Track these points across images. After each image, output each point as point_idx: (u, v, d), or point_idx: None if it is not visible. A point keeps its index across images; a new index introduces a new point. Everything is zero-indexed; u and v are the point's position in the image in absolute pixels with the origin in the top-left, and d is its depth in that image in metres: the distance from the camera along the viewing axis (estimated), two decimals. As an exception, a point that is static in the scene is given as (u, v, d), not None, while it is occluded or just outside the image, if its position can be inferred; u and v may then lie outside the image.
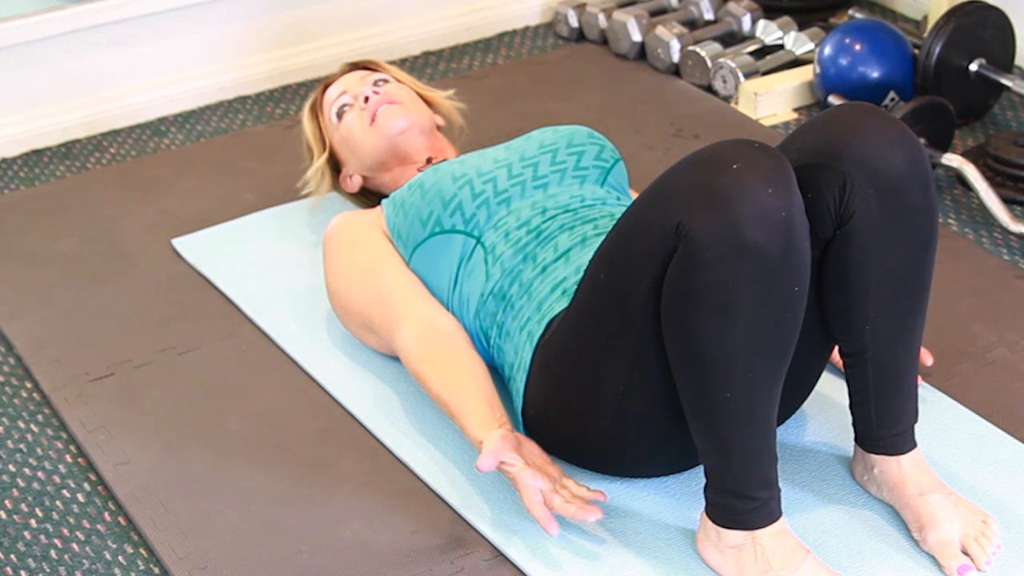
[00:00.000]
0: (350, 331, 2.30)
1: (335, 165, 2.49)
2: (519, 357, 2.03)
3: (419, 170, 2.38)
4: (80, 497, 2.13)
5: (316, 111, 2.49)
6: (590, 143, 2.27)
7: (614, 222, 2.09)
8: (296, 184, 2.66)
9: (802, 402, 2.08)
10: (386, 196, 2.47)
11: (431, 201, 2.19)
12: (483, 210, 2.17)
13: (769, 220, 1.71)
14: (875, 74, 2.95)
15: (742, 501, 1.82)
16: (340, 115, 2.43)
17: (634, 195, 2.36)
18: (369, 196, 2.52)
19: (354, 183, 2.48)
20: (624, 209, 2.07)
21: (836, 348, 2.15)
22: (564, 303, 2.00)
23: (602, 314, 1.87)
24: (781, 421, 2.04)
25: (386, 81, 2.46)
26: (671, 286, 1.76)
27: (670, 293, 1.77)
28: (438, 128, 2.49)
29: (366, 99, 2.40)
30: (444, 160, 2.35)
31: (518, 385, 2.03)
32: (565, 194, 2.19)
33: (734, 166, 1.72)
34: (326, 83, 2.50)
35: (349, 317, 2.27)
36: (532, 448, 1.95)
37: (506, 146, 2.29)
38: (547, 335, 1.99)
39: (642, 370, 1.86)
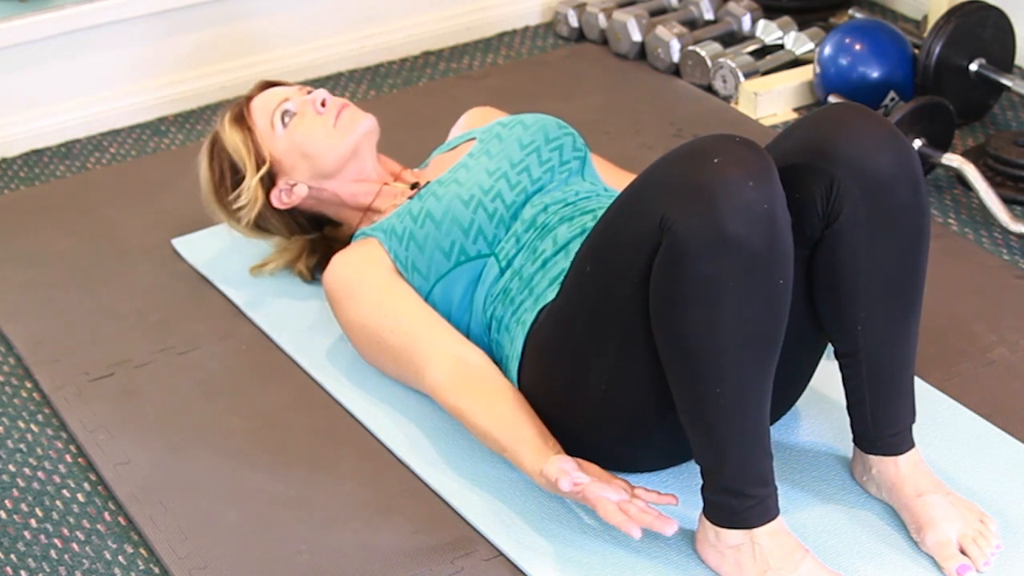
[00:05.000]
0: (390, 376, 2.23)
1: (269, 181, 2.33)
2: (513, 347, 2.03)
3: (408, 197, 2.30)
4: (80, 497, 2.13)
5: (243, 124, 2.33)
6: (563, 135, 2.26)
7: None
8: (204, 214, 2.44)
9: (795, 399, 2.08)
10: (321, 216, 2.38)
11: (450, 231, 2.15)
12: (501, 228, 2.15)
13: (751, 213, 1.72)
14: (875, 74, 2.95)
15: (738, 499, 1.82)
16: (284, 122, 2.32)
17: (605, 172, 2.37)
18: (296, 217, 2.38)
19: (296, 195, 2.32)
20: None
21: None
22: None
23: (588, 307, 1.88)
24: (775, 419, 2.04)
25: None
26: (657, 281, 1.77)
27: (656, 288, 1.77)
28: None
29: (323, 103, 2.31)
30: (428, 183, 2.27)
31: (512, 375, 2.03)
32: (559, 190, 2.20)
33: (715, 160, 1.73)
34: (248, 97, 2.37)
35: (381, 365, 2.20)
36: (592, 468, 1.92)
37: (486, 152, 2.25)
38: (537, 323, 1.99)
39: (627, 362, 1.87)
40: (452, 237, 2.15)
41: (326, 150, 2.30)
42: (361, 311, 2.17)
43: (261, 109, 2.34)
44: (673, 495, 1.89)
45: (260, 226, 2.39)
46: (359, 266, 2.21)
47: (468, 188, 2.18)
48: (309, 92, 2.36)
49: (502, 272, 2.12)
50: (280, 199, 2.34)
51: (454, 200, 2.17)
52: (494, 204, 2.16)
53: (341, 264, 2.22)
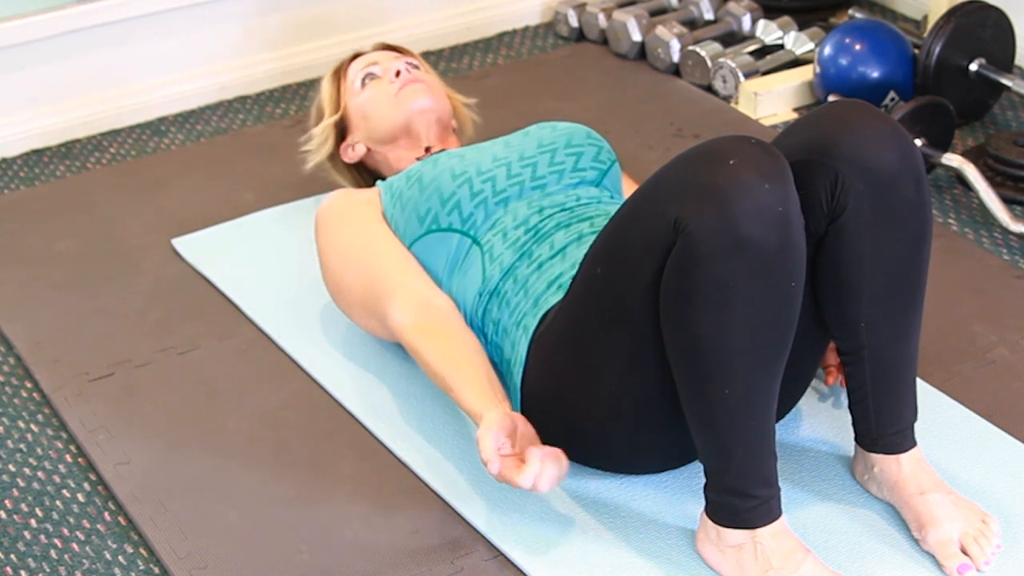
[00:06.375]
0: (346, 314, 2.28)
1: (341, 132, 2.49)
2: (515, 352, 2.03)
3: (417, 159, 2.39)
4: (80, 497, 2.13)
5: (339, 75, 2.50)
6: (588, 144, 2.27)
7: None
8: (300, 145, 2.59)
9: (798, 398, 2.08)
10: (380, 177, 2.48)
11: (429, 197, 2.19)
12: (480, 210, 2.17)
13: (766, 215, 1.72)
14: (875, 74, 2.95)
15: (742, 500, 1.82)
16: (364, 83, 2.45)
17: (631, 189, 2.37)
18: (363, 173, 2.53)
19: (356, 153, 2.47)
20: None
21: (830, 354, 2.16)
22: (560, 296, 2.00)
23: (598, 307, 1.88)
24: (778, 418, 2.04)
25: (417, 67, 2.49)
26: (669, 282, 1.77)
27: (668, 289, 1.77)
28: (452, 130, 2.49)
29: (397, 73, 2.43)
30: (442, 151, 2.34)
31: (515, 379, 2.03)
32: (561, 194, 2.20)
33: (731, 161, 1.73)
34: (356, 53, 2.52)
35: (343, 297, 2.26)
36: (527, 430, 1.92)
37: (504, 142, 2.29)
38: (542, 327, 1.99)
39: (638, 363, 1.86)
40: (429, 204, 2.19)
41: (381, 117, 2.42)
42: (343, 239, 2.25)
43: (357, 67, 2.48)
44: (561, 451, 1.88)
45: (335, 166, 2.55)
46: (354, 201, 2.30)
47: (466, 165, 2.21)
48: (408, 64, 2.47)
49: (486, 266, 2.12)
50: (346, 152, 2.49)
51: (445, 171, 2.20)
52: (482, 185, 2.18)
53: (339, 196, 2.32)
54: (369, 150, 2.46)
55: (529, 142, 2.26)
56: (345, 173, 2.54)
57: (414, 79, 2.43)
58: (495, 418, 1.89)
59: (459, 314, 2.13)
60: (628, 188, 2.37)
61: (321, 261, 2.29)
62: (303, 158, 2.57)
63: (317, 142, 2.50)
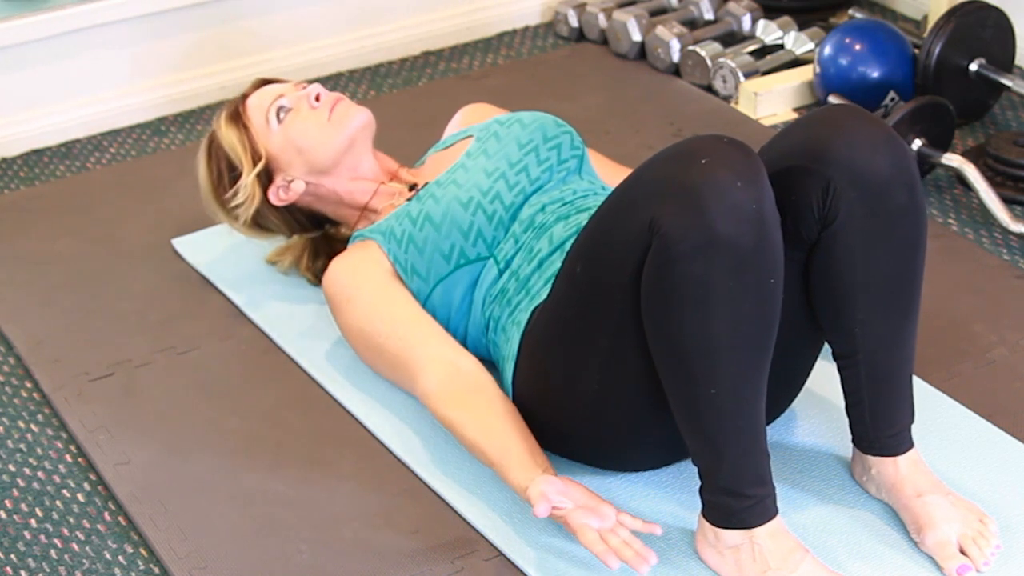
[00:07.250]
0: (388, 380, 2.23)
1: (266, 177, 2.32)
2: (509, 346, 2.03)
3: (406, 199, 2.28)
4: (80, 497, 2.13)
5: (239, 121, 2.31)
6: (562, 132, 2.26)
7: None
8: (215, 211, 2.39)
9: (792, 399, 2.08)
10: (320, 215, 2.37)
11: (449, 233, 2.14)
12: (500, 229, 2.15)
13: (740, 213, 1.72)
14: (875, 74, 2.95)
15: (736, 499, 1.82)
16: (280, 118, 2.30)
17: (601, 165, 2.37)
18: (295, 214, 2.37)
19: (293, 191, 2.31)
20: None
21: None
22: None
23: (579, 307, 1.88)
24: (772, 419, 2.04)
25: None
26: (648, 282, 1.77)
27: (648, 289, 1.77)
28: None
29: (317, 97, 2.30)
30: (426, 184, 2.26)
31: (508, 374, 2.03)
32: (556, 189, 2.20)
33: (703, 161, 1.73)
34: (244, 95, 2.35)
35: (379, 370, 2.19)
36: (579, 489, 1.88)
37: (483, 151, 2.24)
38: (531, 323, 1.99)
39: (620, 361, 1.87)
40: (451, 240, 2.14)
41: (320, 145, 2.28)
42: (358, 316, 2.17)
43: (256, 106, 2.32)
44: (657, 524, 1.86)
45: (260, 224, 2.38)
46: (356, 270, 2.19)
47: (467, 190, 2.18)
48: (304, 87, 2.35)
49: (500, 273, 2.12)
50: (277, 196, 2.33)
51: (453, 202, 2.16)
52: (493, 206, 2.16)
53: (339, 268, 2.21)
54: (307, 185, 2.32)
55: (508, 145, 2.24)
56: (275, 220, 2.37)
57: (338, 98, 2.31)
58: (543, 480, 1.85)
59: (488, 375, 2.05)
60: (598, 163, 2.36)
61: (347, 340, 2.21)
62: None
63: (245, 196, 2.30)
